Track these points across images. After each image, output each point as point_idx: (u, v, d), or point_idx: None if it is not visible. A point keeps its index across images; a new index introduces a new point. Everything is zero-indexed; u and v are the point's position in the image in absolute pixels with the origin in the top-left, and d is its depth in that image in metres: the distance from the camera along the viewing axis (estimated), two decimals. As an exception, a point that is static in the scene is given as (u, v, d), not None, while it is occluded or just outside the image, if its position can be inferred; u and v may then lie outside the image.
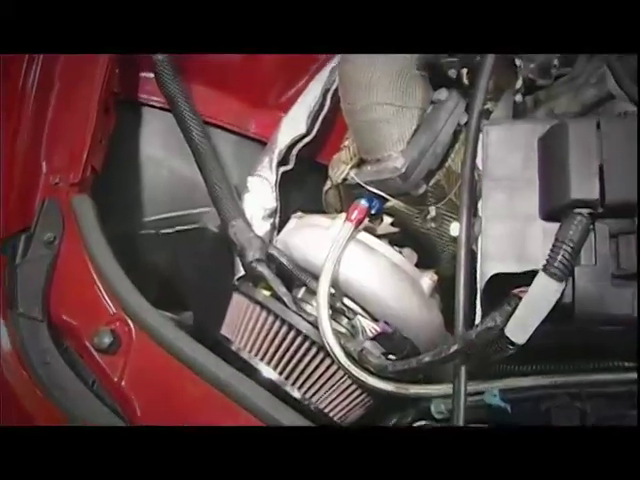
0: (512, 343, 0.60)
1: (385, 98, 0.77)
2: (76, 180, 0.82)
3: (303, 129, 0.94)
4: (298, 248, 0.80)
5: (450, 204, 0.80)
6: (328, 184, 0.89)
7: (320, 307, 0.72)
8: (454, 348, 0.63)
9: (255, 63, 0.97)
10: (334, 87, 0.94)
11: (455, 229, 0.72)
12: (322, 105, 0.95)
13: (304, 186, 0.98)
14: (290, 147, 0.93)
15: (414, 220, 0.81)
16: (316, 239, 0.79)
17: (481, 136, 0.69)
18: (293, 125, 0.94)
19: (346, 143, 0.88)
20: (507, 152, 0.65)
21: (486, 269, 0.63)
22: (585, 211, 0.58)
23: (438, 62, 0.78)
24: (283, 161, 0.93)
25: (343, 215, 0.79)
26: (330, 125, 0.96)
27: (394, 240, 0.83)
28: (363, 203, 0.78)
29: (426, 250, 0.84)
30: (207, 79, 0.96)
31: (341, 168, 0.82)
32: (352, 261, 0.75)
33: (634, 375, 0.65)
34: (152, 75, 0.91)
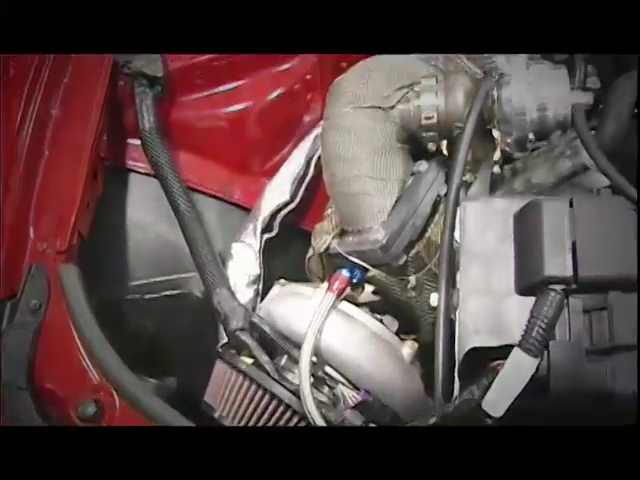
0: (489, 416, 0.61)
1: (366, 171, 0.80)
2: (63, 248, 0.83)
3: (287, 196, 0.96)
4: (281, 317, 0.81)
5: (430, 274, 0.82)
6: (311, 252, 0.91)
7: (302, 376, 0.73)
8: (432, 421, 0.64)
9: (240, 130, 1.00)
10: (317, 155, 0.96)
11: (434, 299, 0.74)
12: (305, 173, 0.98)
13: (287, 253, 1.00)
14: (274, 214, 0.95)
15: (395, 289, 0.83)
16: (298, 308, 0.81)
17: (459, 210, 0.72)
18: (277, 192, 0.96)
19: (328, 212, 0.90)
20: (484, 228, 0.68)
21: (464, 343, 0.64)
22: (559, 287, 0.60)
23: (418, 135, 0.81)
24: (267, 228, 0.95)
25: (325, 285, 0.81)
26: (314, 192, 0.99)
27: (375, 308, 0.85)
28: (344, 273, 0.80)
29: (407, 318, 0.85)
30: (192, 146, 0.99)
31: (323, 238, 0.84)
32: (333, 330, 0.77)
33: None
34: (138, 142, 0.94)
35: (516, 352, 0.60)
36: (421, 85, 0.80)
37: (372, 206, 0.79)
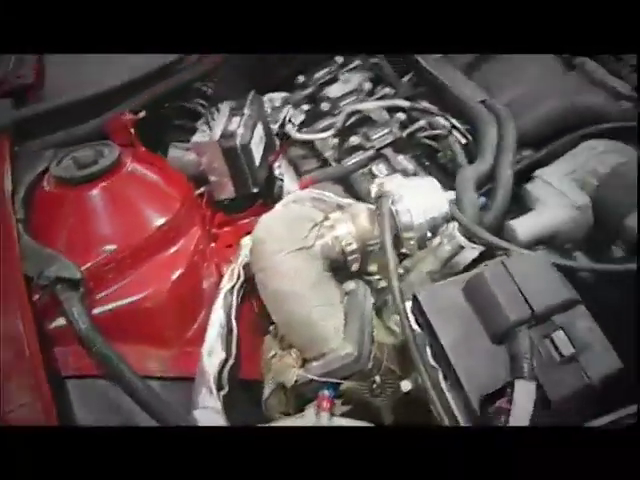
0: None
1: (314, 303, 0.92)
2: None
3: (223, 355, 1.02)
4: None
5: (387, 371, 0.95)
6: (267, 393, 0.98)
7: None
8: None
9: (154, 312, 1.04)
10: (234, 308, 1.05)
11: (406, 385, 0.88)
12: (230, 328, 1.05)
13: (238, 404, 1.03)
14: (219, 373, 1.00)
15: (364, 392, 0.94)
16: None
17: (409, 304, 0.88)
18: (213, 354, 1.02)
19: (271, 353, 0.99)
20: (440, 308, 0.85)
21: (474, 395, 0.78)
22: (524, 326, 0.79)
23: (341, 260, 0.97)
24: (219, 387, 0.99)
25: (309, 409, 0.89)
26: (245, 344, 1.06)
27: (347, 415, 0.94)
28: (327, 393, 0.89)
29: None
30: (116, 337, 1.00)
31: (291, 372, 0.92)
32: None
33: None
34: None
35: (519, 383, 0.76)
36: (331, 220, 0.97)
37: (328, 329, 0.91)
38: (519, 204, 1.12)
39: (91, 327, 0.91)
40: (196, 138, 1.20)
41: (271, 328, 1.05)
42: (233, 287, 1.07)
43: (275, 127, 1.31)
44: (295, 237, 0.96)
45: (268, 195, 1.30)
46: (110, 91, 1.18)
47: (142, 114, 1.12)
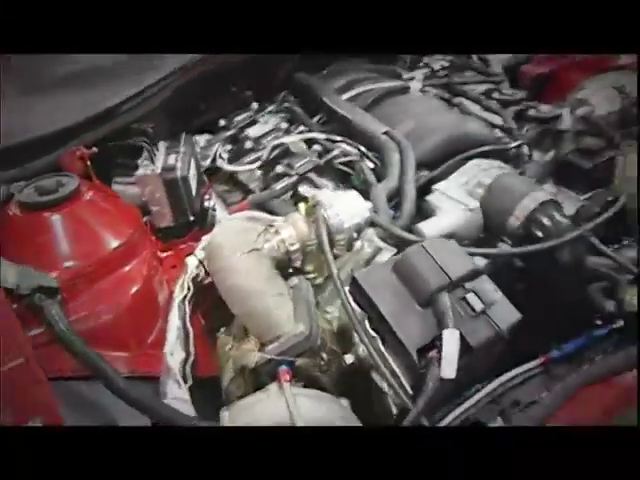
0: (450, 380, 0.94)
1: (268, 294, 1.08)
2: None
3: (183, 354, 1.14)
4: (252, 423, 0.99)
5: (330, 350, 1.11)
6: (227, 380, 1.10)
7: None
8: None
9: (111, 324, 1.14)
10: (189, 313, 1.18)
11: (349, 358, 1.05)
12: (187, 332, 1.17)
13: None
14: (182, 369, 1.12)
15: (315, 369, 1.09)
16: (266, 410, 0.99)
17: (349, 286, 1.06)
18: (175, 354, 1.14)
19: (228, 347, 1.13)
20: (378, 285, 1.03)
21: (412, 349, 0.96)
22: (443, 291, 0.99)
23: (285, 259, 1.13)
24: (185, 380, 1.11)
25: (272, 385, 1.03)
26: (199, 345, 1.18)
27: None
28: (285, 367, 1.04)
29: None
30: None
31: (252, 355, 1.06)
32: (311, 413, 0.96)
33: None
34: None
35: (446, 332, 0.95)
36: (275, 227, 1.15)
37: (282, 316, 1.06)
38: (422, 213, 1.35)
39: (70, 329, 1.01)
40: (140, 172, 1.34)
41: (222, 329, 1.19)
42: (185, 297, 1.20)
43: (206, 163, 1.47)
44: (246, 241, 1.12)
45: (202, 224, 1.44)
46: (59, 132, 1.30)
47: (95, 149, 1.25)
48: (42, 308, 1.01)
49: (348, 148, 1.41)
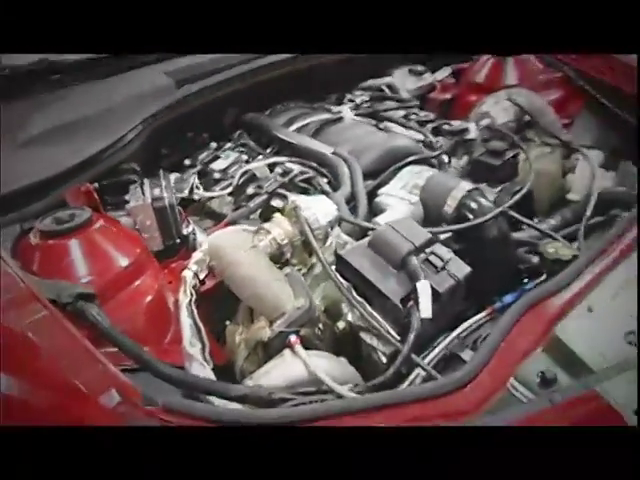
0: (429, 320, 1.21)
1: (271, 280, 1.31)
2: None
3: (200, 344, 1.34)
4: (279, 382, 1.20)
5: (324, 322, 1.36)
6: (241, 358, 1.31)
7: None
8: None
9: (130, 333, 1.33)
10: (196, 313, 1.39)
11: (341, 324, 1.31)
12: (198, 328, 1.37)
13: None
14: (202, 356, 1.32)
15: (314, 338, 1.33)
16: (283, 372, 1.22)
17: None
18: (194, 346, 1.34)
19: (238, 332, 1.34)
20: (359, 258, 1.30)
21: (396, 299, 1.22)
22: (411, 255, 1.27)
23: (279, 252, 1.38)
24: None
25: (286, 351, 1.25)
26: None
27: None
28: (294, 336, 1.27)
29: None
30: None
31: (264, 330, 1.28)
32: (324, 367, 1.20)
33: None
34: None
35: (420, 284, 1.22)
36: (265, 228, 1.39)
37: (285, 296, 1.29)
38: (373, 213, 1.63)
39: (112, 326, 1.20)
40: (132, 204, 1.55)
41: (227, 322, 1.41)
42: (190, 300, 1.41)
43: (182, 194, 1.70)
44: (245, 241, 1.36)
45: (187, 245, 1.66)
46: (54, 177, 1.50)
47: (96, 185, 1.46)
48: (84, 312, 1.19)
49: (304, 168, 1.68)
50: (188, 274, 1.44)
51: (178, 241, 1.62)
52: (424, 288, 1.22)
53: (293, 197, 1.45)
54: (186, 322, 1.37)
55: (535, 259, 1.46)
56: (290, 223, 1.41)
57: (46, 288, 1.21)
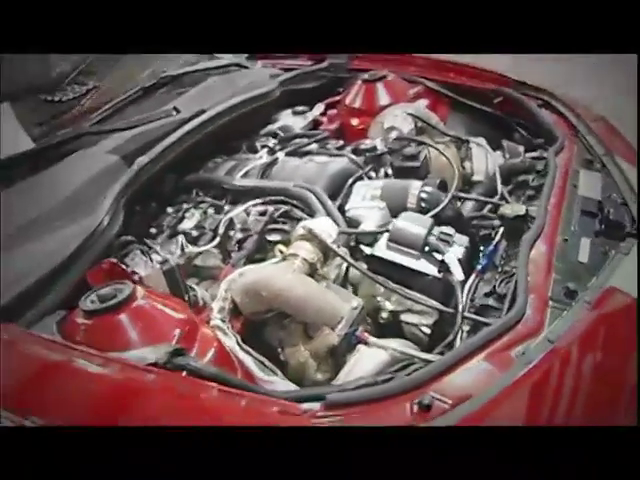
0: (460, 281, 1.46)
1: (322, 292, 1.49)
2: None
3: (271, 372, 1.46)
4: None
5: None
6: (312, 370, 1.46)
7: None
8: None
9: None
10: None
11: (389, 306, 1.52)
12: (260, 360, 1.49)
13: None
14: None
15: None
16: (369, 362, 1.39)
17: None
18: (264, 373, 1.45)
19: (301, 351, 1.49)
20: (389, 252, 1.52)
21: (432, 273, 1.47)
22: (428, 237, 1.52)
23: (309, 271, 1.55)
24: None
25: (359, 346, 1.42)
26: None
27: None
28: (359, 331, 1.45)
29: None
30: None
31: (331, 336, 1.44)
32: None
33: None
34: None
35: (448, 256, 1.48)
36: (292, 252, 1.56)
37: (338, 303, 1.47)
38: (353, 226, 1.86)
39: (216, 369, 1.28)
40: (143, 272, 1.62)
41: (278, 349, 1.53)
42: (237, 341, 1.51)
43: (177, 253, 1.78)
44: (281, 269, 1.52)
45: (189, 303, 1.74)
46: (57, 268, 1.53)
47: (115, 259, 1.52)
48: (183, 365, 1.27)
49: (277, 205, 1.87)
50: (217, 322, 1.54)
51: (186, 298, 1.70)
52: (452, 259, 1.48)
53: (303, 223, 1.63)
54: (248, 360, 1.48)
55: (495, 219, 1.77)
56: (310, 244, 1.59)
57: (142, 355, 1.26)
